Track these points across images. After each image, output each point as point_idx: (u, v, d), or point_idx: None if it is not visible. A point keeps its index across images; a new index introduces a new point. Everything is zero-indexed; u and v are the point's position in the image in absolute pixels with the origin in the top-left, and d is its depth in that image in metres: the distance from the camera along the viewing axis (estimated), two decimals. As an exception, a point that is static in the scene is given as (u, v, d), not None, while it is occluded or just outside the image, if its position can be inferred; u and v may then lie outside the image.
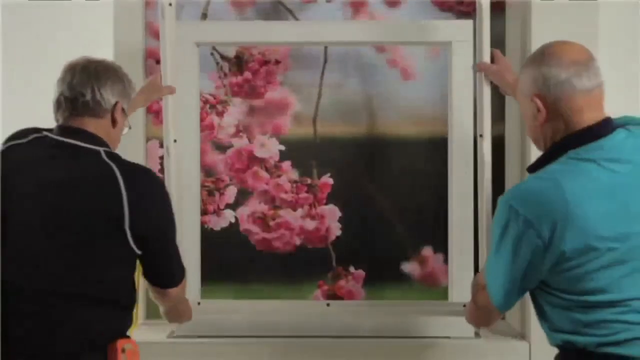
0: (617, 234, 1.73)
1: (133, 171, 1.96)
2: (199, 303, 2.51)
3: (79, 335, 1.89)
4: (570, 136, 1.80)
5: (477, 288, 1.97)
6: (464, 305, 2.36)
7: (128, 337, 1.97)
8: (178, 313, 2.24)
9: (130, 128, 2.11)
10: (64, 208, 1.89)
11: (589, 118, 1.80)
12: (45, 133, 2.00)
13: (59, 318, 1.88)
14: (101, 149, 1.95)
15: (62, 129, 1.98)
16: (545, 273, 1.78)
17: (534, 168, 1.86)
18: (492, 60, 2.38)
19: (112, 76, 2.00)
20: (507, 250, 1.78)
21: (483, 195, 2.40)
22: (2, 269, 1.89)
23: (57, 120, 2.02)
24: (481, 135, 2.41)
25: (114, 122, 2.00)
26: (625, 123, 1.84)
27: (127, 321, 1.99)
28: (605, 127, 1.80)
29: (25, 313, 1.88)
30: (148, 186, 1.97)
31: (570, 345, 1.80)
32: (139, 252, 1.95)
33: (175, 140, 2.44)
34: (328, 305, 2.57)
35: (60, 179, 1.92)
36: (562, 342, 1.81)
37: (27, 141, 1.99)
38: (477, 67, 2.39)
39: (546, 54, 1.82)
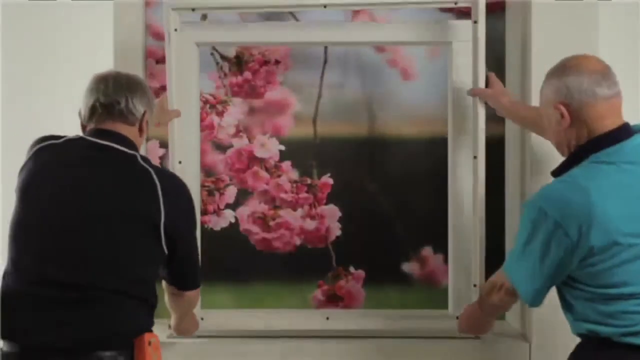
0: (637, 231, 1.86)
1: (167, 177, 2.12)
2: (202, 318, 2.55)
3: (113, 327, 2.00)
4: (592, 141, 1.94)
5: (492, 288, 2.12)
6: (457, 317, 2.40)
7: (152, 332, 2.07)
8: (187, 325, 2.39)
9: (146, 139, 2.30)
10: (103, 206, 2.00)
11: (609, 124, 1.93)
12: (79, 135, 2.12)
13: (96, 310, 1.98)
14: (137, 154, 2.09)
15: (97, 132, 2.10)
16: (572, 269, 1.90)
17: (558, 172, 1.99)
18: (487, 83, 2.44)
19: (141, 88, 2.15)
20: (536, 250, 1.91)
21: (476, 215, 2.44)
22: (39, 264, 1.99)
23: (83, 128, 2.14)
24: (475, 157, 2.44)
25: (140, 130, 2.15)
26: None
27: (152, 319, 2.10)
28: (624, 132, 1.94)
29: (61, 304, 1.97)
30: (180, 191, 2.13)
31: (593, 335, 1.92)
32: (166, 252, 2.07)
33: (180, 162, 2.52)
34: (327, 318, 2.57)
35: (98, 179, 2.03)
36: (587, 332, 1.94)
37: (61, 142, 2.10)
38: (472, 93, 2.45)
39: (567, 66, 1.97)
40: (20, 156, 2.15)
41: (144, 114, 2.13)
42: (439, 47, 2.62)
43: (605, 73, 1.94)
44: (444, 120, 2.59)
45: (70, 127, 2.25)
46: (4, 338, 1.99)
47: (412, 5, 2.55)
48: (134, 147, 2.11)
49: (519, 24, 2.61)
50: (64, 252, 1.98)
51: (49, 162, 2.06)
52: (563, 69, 1.96)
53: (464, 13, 2.59)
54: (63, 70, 2.87)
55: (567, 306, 1.98)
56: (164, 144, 2.62)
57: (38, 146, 2.09)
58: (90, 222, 1.99)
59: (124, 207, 2.01)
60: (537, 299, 1.98)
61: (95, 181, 2.03)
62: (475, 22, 2.45)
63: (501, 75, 2.64)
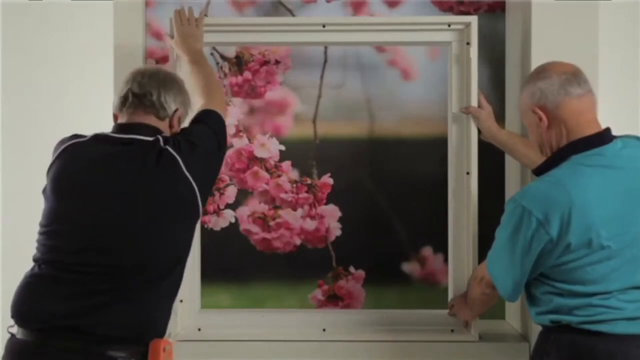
0: (612, 234, 1.92)
1: (180, 141, 2.09)
2: (199, 329, 2.56)
3: (138, 318, 2.01)
4: (572, 143, 1.98)
5: (474, 281, 2.23)
6: (449, 311, 2.48)
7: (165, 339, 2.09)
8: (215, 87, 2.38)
9: None
10: (128, 200, 2.01)
11: (585, 120, 1.99)
12: (103, 133, 2.13)
13: (116, 303, 1.99)
14: (159, 137, 2.08)
15: (123, 126, 2.13)
16: (547, 265, 1.96)
17: (540, 171, 2.04)
18: (479, 104, 2.50)
19: (177, 86, 2.19)
20: (518, 247, 1.97)
21: (470, 228, 2.48)
22: (66, 255, 2.00)
23: (115, 117, 2.16)
24: (468, 173, 2.47)
25: (171, 126, 2.17)
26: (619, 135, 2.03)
27: (167, 324, 2.10)
28: (605, 136, 2.00)
29: (98, 291, 1.98)
30: (191, 140, 2.11)
31: (555, 323, 2.00)
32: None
33: None
34: (324, 330, 2.57)
35: (125, 173, 2.03)
36: (549, 322, 2.01)
37: (86, 140, 2.10)
38: (466, 111, 2.51)
39: (538, 72, 2.05)
40: (20, 155, 2.15)
41: (175, 111, 2.17)
42: (439, 48, 2.62)
43: (575, 73, 2.01)
44: (444, 120, 2.59)
45: (70, 126, 2.25)
46: (21, 325, 2.00)
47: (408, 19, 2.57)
48: (158, 133, 2.11)
49: (519, 24, 2.61)
50: (90, 246, 1.99)
51: (76, 160, 2.07)
52: (535, 75, 2.05)
53: (464, 13, 2.60)
54: (63, 70, 2.88)
55: (532, 299, 2.06)
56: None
57: (63, 146, 2.10)
58: (116, 216, 2.00)
59: (151, 199, 2.01)
60: (514, 295, 2.05)
61: (121, 177, 2.03)
62: (468, 43, 2.48)
63: (501, 75, 2.65)
